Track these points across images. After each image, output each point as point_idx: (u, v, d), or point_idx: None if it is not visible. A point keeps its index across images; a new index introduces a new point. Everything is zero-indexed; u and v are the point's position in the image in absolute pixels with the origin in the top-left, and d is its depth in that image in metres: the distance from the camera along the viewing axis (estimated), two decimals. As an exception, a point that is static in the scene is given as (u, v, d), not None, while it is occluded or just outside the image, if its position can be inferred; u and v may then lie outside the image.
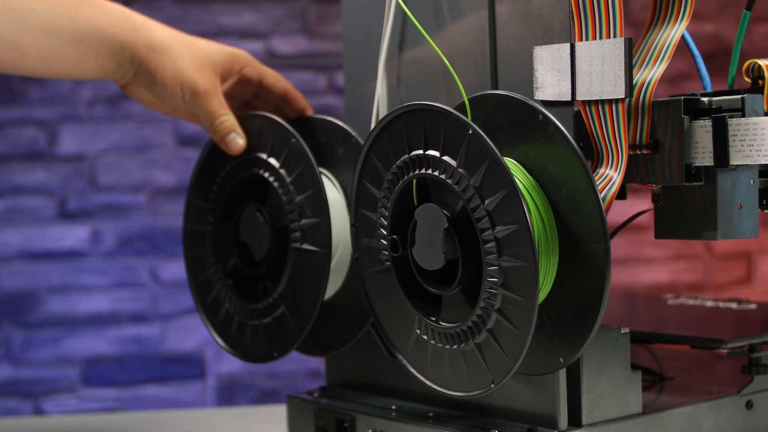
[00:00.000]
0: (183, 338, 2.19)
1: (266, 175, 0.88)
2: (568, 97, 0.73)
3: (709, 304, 1.05)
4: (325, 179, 0.88)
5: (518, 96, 0.73)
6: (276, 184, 0.87)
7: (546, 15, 0.74)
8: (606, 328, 0.76)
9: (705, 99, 0.75)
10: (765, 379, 0.85)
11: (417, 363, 0.79)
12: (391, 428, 0.83)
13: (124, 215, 2.18)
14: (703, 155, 0.74)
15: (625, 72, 0.70)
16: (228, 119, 0.90)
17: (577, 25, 0.72)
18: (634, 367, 0.77)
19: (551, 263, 0.71)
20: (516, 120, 0.73)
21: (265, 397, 2.21)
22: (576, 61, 0.72)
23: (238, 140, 0.90)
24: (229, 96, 0.95)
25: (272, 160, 0.88)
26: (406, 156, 0.75)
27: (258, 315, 0.90)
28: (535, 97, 0.75)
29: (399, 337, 0.80)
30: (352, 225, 0.82)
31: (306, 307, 0.86)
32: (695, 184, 0.74)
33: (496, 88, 0.78)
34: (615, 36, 0.71)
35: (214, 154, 0.93)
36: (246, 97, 0.96)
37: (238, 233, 0.91)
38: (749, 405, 0.84)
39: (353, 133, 0.88)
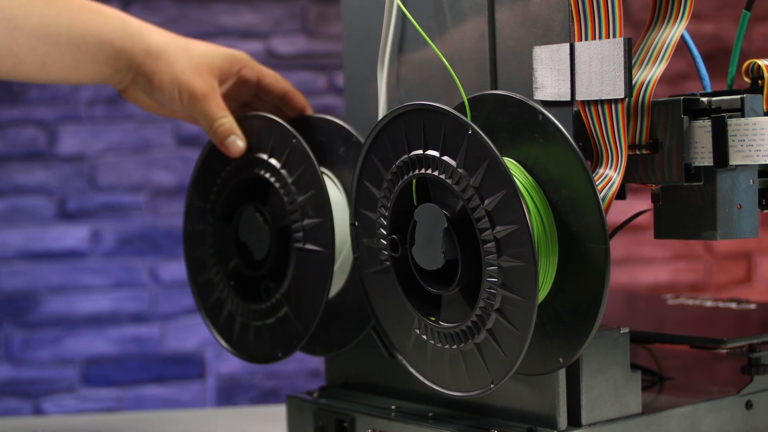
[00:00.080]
0: (183, 338, 2.19)
1: (267, 175, 0.88)
2: (568, 97, 0.73)
3: (709, 304, 1.05)
4: (326, 179, 0.88)
5: (518, 96, 0.73)
6: (277, 185, 0.87)
7: (545, 15, 0.74)
8: (605, 328, 0.76)
9: (704, 99, 0.75)
10: (764, 379, 0.85)
11: (416, 363, 0.79)
12: (390, 428, 0.83)
13: (124, 215, 2.18)
14: (703, 155, 0.74)
15: (625, 72, 0.70)
16: (227, 122, 0.90)
17: (576, 25, 0.72)
18: (634, 367, 0.78)
19: (551, 263, 0.71)
20: (515, 120, 0.73)
21: (265, 397, 2.21)
22: (575, 61, 0.72)
23: (237, 142, 0.90)
24: (228, 98, 0.94)
25: (273, 161, 0.88)
26: (406, 156, 0.75)
27: (261, 316, 0.90)
28: (535, 97, 0.75)
29: (398, 337, 0.80)
30: (352, 225, 0.82)
31: (310, 306, 0.86)
32: (695, 184, 0.74)
33: (496, 88, 0.78)
34: (614, 36, 0.71)
35: (213, 155, 0.93)
36: (245, 98, 0.96)
37: (237, 234, 0.91)
38: (749, 405, 0.84)
39: (353, 132, 0.88)
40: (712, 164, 0.73)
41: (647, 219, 0.83)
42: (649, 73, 0.74)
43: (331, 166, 0.90)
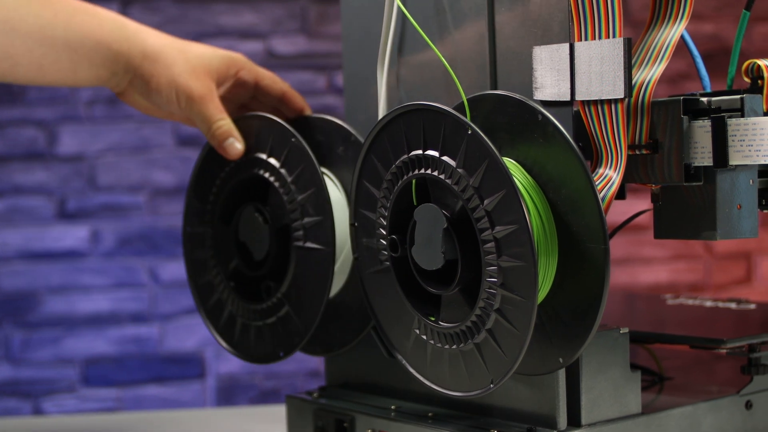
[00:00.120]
0: (183, 338, 2.19)
1: (266, 175, 0.88)
2: (568, 97, 0.73)
3: (709, 304, 1.05)
4: (325, 178, 0.88)
5: (517, 96, 0.73)
6: (277, 184, 0.87)
7: (545, 15, 0.74)
8: (605, 328, 0.76)
9: (704, 99, 0.75)
10: (764, 379, 0.85)
11: (416, 363, 0.79)
12: (390, 428, 0.83)
13: (124, 215, 2.18)
14: (703, 155, 0.74)
15: (625, 72, 0.70)
16: (225, 124, 0.90)
17: (576, 25, 0.72)
18: (634, 367, 0.77)
19: (550, 263, 0.71)
20: (515, 120, 0.73)
21: (265, 397, 2.21)
22: (575, 61, 0.72)
23: (236, 145, 0.90)
24: (226, 99, 0.94)
25: (272, 160, 0.88)
26: (406, 156, 0.75)
27: (262, 315, 0.90)
28: (535, 98, 0.75)
29: (398, 337, 0.80)
30: (352, 225, 0.82)
31: (311, 305, 0.86)
32: (695, 184, 0.74)
33: (496, 89, 0.78)
34: (614, 36, 0.71)
35: (212, 156, 0.93)
36: (242, 100, 0.96)
37: (237, 234, 0.91)
38: (748, 405, 0.84)
39: (352, 131, 0.88)
40: (711, 164, 0.73)
41: (647, 219, 0.83)
42: (649, 73, 0.74)
43: (330, 165, 0.90)
